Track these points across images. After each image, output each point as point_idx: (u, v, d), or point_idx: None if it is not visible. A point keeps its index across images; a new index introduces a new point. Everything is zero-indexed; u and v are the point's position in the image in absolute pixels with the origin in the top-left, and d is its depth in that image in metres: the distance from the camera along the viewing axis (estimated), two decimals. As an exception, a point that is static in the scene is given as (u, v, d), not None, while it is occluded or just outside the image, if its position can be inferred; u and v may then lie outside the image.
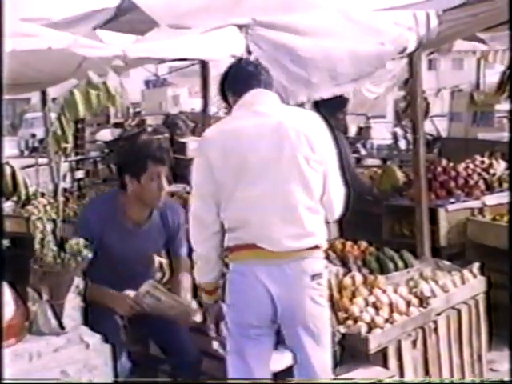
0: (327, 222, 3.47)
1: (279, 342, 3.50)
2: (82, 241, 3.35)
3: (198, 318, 4.05)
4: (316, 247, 3.33)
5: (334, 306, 4.34)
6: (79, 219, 4.26)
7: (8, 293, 3.16)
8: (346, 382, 3.86)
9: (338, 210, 3.45)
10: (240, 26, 4.41)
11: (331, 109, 5.53)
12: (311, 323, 3.33)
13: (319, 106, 5.59)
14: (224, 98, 3.57)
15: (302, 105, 4.77)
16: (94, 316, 3.51)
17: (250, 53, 4.72)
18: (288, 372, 3.63)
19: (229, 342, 3.45)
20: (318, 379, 3.35)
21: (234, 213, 3.29)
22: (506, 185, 6.74)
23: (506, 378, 4.52)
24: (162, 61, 7.99)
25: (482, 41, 8.26)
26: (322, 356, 3.40)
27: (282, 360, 3.63)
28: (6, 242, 3.51)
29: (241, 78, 3.44)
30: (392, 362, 4.29)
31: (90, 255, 3.34)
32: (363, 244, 5.46)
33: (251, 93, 3.38)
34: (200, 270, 3.53)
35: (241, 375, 3.36)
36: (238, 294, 3.33)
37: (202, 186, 3.34)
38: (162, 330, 4.12)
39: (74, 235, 3.52)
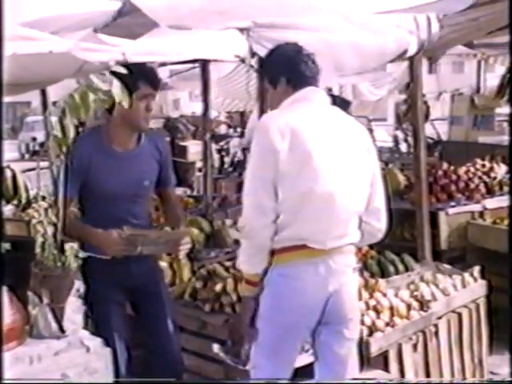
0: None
1: None
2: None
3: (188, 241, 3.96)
4: (350, 243, 3.35)
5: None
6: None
7: (6, 296, 3.17)
8: (359, 382, 3.85)
9: (384, 219, 3.42)
10: (241, 29, 4.42)
11: None
12: (353, 315, 3.35)
13: None
14: (267, 75, 3.47)
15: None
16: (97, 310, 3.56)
17: (253, 54, 4.72)
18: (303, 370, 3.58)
19: (261, 345, 3.30)
20: (334, 379, 3.33)
21: (290, 206, 3.20)
22: (506, 188, 6.74)
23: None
24: (163, 64, 8.01)
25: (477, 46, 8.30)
26: (353, 352, 3.41)
27: (302, 358, 3.57)
28: (6, 246, 3.50)
29: (302, 74, 3.36)
30: (393, 365, 4.29)
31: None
32: (364, 247, 5.46)
33: (309, 89, 3.35)
34: (250, 260, 3.30)
35: (271, 376, 3.30)
36: (288, 298, 3.24)
37: (264, 171, 3.21)
38: (153, 330, 4.09)
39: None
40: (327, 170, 3.21)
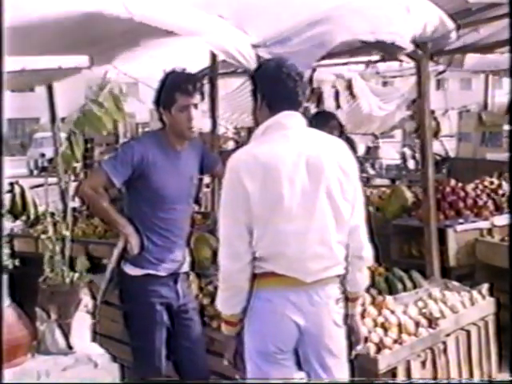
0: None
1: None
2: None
3: None
4: (335, 275, 3.32)
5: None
6: (122, 147, 4.24)
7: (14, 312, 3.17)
8: (360, 381, 3.84)
9: (364, 236, 3.37)
10: (252, 45, 4.46)
11: (316, 125, 5.42)
12: (334, 346, 3.30)
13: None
14: (254, 94, 3.37)
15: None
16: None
17: None
18: None
19: (251, 369, 3.31)
20: (333, 379, 3.32)
21: (267, 245, 3.19)
22: (514, 205, 6.72)
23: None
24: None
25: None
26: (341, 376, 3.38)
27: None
28: (15, 262, 3.52)
29: (280, 96, 3.26)
30: (401, 382, 4.27)
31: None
32: (372, 264, 5.44)
33: (283, 115, 3.24)
34: (227, 301, 3.30)
35: None
36: (266, 322, 3.23)
37: (236, 214, 3.19)
38: (182, 349, 4.15)
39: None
40: (300, 207, 3.16)
